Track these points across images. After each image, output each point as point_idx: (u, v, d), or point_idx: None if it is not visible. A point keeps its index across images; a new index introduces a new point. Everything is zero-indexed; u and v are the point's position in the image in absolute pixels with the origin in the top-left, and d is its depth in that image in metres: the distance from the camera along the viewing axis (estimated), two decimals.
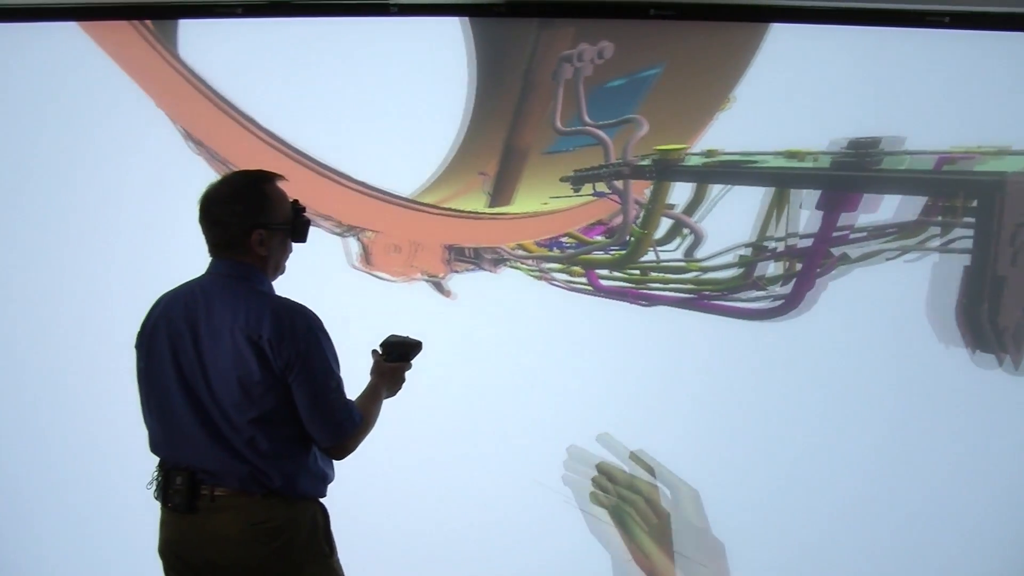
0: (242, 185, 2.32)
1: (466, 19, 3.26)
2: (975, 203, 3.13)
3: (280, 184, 2.37)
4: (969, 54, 3.11)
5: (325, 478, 2.38)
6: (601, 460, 3.35)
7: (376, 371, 2.51)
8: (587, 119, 3.27)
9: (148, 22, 3.41)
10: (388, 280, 3.41)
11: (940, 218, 3.15)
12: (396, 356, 2.51)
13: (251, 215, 2.29)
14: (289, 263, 2.41)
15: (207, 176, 3.37)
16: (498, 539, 3.40)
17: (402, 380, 2.52)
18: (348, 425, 2.31)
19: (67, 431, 3.58)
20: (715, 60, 3.20)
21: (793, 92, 3.19)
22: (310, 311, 2.30)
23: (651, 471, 3.30)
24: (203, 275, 2.36)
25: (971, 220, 3.13)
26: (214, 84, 3.41)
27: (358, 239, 3.40)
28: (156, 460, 2.36)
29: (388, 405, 2.51)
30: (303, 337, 2.24)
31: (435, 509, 3.42)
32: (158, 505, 2.36)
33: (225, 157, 3.42)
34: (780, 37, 3.19)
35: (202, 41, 3.41)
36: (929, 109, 3.14)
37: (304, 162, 3.37)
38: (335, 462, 2.40)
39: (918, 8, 3.11)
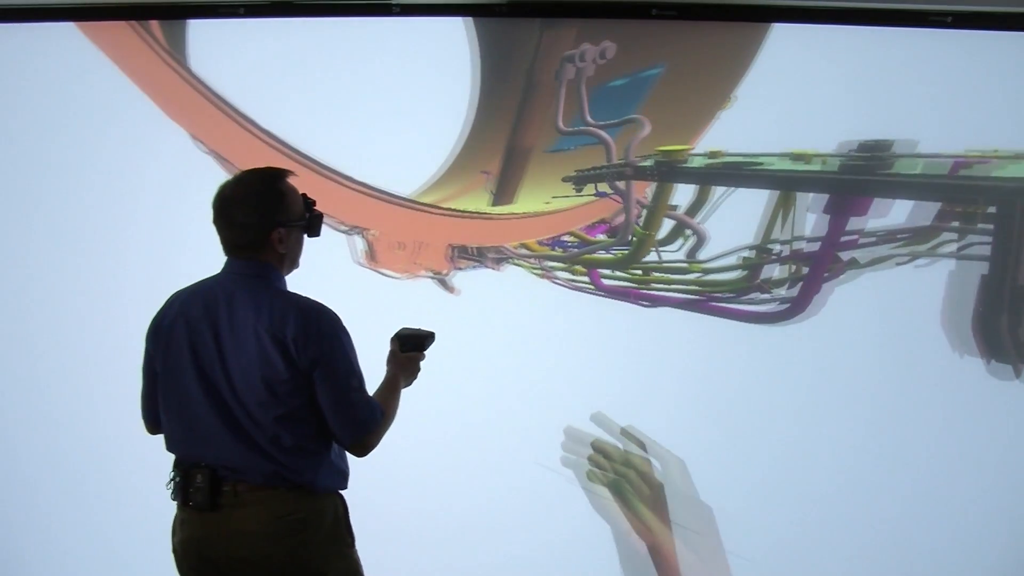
0: (259, 185, 2.32)
1: (470, 19, 3.28)
2: (993, 209, 3.11)
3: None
4: (975, 54, 3.13)
5: (344, 473, 2.41)
6: (596, 439, 3.37)
7: (392, 361, 2.54)
8: (589, 119, 3.29)
9: (155, 24, 3.41)
10: (393, 277, 3.43)
11: (956, 224, 3.13)
12: (411, 347, 2.54)
13: (270, 215, 2.29)
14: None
15: (216, 175, 3.38)
16: (505, 521, 3.43)
17: (418, 369, 2.56)
18: (371, 423, 2.32)
19: (79, 428, 3.60)
20: (716, 60, 3.22)
21: (793, 92, 3.20)
22: (332, 311, 2.32)
23: (643, 446, 3.34)
24: (220, 274, 2.36)
25: (989, 227, 3.11)
26: (217, 84, 3.42)
27: (362, 236, 3.42)
28: (171, 459, 2.36)
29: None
30: (327, 337, 2.26)
31: (441, 496, 3.45)
32: (168, 502, 2.35)
33: (226, 157, 3.43)
34: (781, 37, 3.20)
35: (208, 41, 3.42)
36: (931, 110, 3.16)
37: (305, 162, 3.38)
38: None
39: (920, 8, 3.12)
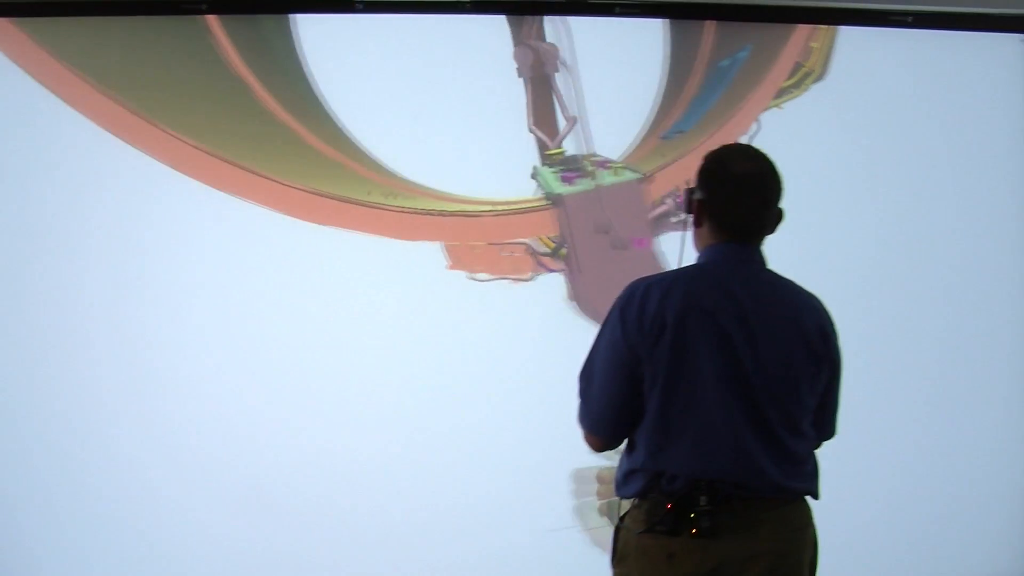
0: (773, 162, 2.02)
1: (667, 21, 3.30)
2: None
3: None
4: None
5: None
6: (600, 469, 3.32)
7: None
8: (568, 115, 3.35)
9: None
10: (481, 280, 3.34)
11: None
12: None
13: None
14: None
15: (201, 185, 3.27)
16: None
17: None
18: None
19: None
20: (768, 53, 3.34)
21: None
22: None
23: None
24: (725, 261, 2.00)
25: None
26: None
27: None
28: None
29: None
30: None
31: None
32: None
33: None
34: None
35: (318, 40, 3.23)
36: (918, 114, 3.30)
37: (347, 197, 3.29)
38: None
39: (881, 8, 3.19)
